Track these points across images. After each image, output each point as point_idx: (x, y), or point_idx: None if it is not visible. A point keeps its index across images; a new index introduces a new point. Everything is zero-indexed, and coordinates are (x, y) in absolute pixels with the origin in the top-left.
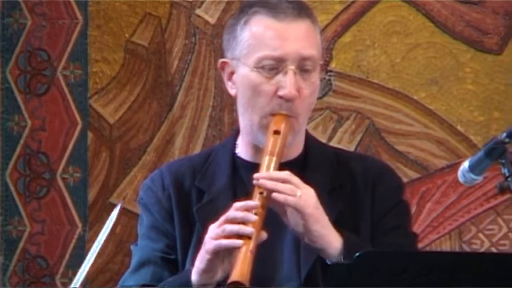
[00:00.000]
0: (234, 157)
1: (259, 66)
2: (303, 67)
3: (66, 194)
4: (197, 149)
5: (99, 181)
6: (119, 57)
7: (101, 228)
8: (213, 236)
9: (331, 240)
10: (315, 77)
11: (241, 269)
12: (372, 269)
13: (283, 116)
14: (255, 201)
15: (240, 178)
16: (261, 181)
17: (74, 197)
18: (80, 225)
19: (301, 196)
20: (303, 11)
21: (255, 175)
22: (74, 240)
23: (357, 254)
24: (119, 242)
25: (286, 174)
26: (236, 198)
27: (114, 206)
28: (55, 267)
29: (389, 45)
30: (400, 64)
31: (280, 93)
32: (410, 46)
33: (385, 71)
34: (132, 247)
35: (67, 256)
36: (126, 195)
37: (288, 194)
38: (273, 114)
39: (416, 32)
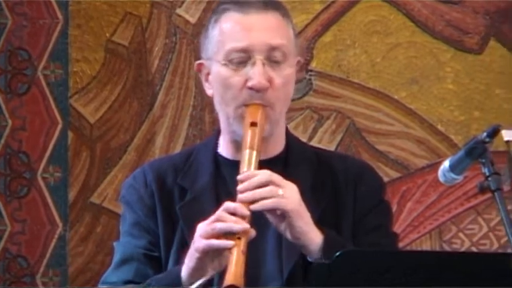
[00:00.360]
0: (216, 155)
1: (227, 60)
2: (271, 58)
3: (46, 194)
4: (178, 148)
5: (79, 181)
6: (99, 57)
7: (82, 228)
8: (203, 234)
9: (313, 237)
10: (287, 69)
11: (234, 271)
12: (353, 269)
13: (257, 105)
14: (244, 209)
15: (222, 176)
16: (240, 196)
17: (55, 197)
18: (60, 224)
19: (284, 194)
20: (270, 4)
21: (238, 188)
22: (54, 240)
23: (338, 254)
24: (99, 242)
25: (266, 175)
26: (219, 196)
27: (94, 205)
28: (36, 266)
29: (369, 44)
30: (380, 64)
31: (249, 84)
32: (390, 46)
33: (366, 71)
34: (114, 244)
35: (48, 255)
36: (107, 195)
37: (268, 197)
38: (246, 105)
39: (397, 32)
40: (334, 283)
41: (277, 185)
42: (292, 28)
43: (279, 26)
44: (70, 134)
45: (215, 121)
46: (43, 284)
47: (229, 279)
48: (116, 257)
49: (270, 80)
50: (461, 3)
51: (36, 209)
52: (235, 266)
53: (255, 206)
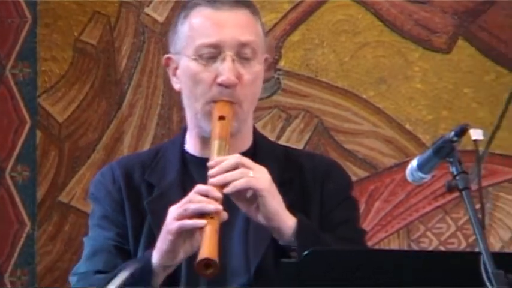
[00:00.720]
0: (183, 153)
1: (197, 55)
2: (241, 54)
3: (14, 193)
4: (146, 147)
5: (48, 179)
6: (67, 56)
7: (50, 227)
8: (176, 216)
9: (285, 219)
10: (257, 66)
11: (209, 245)
12: (322, 268)
13: (225, 102)
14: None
15: (189, 173)
16: (211, 181)
17: (23, 196)
18: (28, 223)
19: (254, 175)
20: (241, 2)
21: (209, 173)
22: (22, 239)
23: (306, 252)
24: (67, 241)
25: (235, 158)
26: (186, 192)
27: (63, 204)
28: (4, 265)
29: (338, 44)
30: (348, 63)
31: (219, 80)
32: (359, 45)
33: (334, 70)
34: (84, 239)
35: (16, 254)
36: (75, 194)
37: (239, 179)
38: (215, 101)
39: (365, 31)
40: (303, 282)
41: (248, 167)
42: (261, 26)
43: (249, 23)
44: (38, 133)
45: (183, 120)
46: (11, 283)
47: (204, 252)
48: (86, 250)
49: (239, 77)
50: (430, 3)
51: (4, 208)
52: (209, 242)
53: (227, 189)
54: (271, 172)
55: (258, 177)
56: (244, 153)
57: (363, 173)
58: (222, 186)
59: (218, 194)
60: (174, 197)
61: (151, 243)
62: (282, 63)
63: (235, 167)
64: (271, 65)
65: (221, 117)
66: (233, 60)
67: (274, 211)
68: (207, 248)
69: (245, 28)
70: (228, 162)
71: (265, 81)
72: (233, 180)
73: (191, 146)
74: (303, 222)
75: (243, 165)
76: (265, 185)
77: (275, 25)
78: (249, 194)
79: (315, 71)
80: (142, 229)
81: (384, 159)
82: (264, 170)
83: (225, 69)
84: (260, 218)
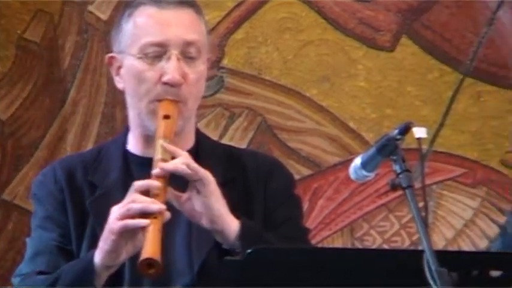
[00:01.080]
0: (126, 152)
1: (142, 54)
2: (186, 53)
3: None
4: (89, 146)
5: None
6: (10, 54)
7: None
8: (118, 216)
9: (230, 222)
10: (201, 65)
11: (152, 245)
12: (267, 266)
13: (170, 101)
14: (156, 182)
15: (131, 173)
16: (161, 164)
17: None
18: None
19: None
20: (185, 1)
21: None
22: None
23: (249, 251)
24: (11, 239)
25: (185, 155)
26: (128, 192)
27: (5, 202)
28: None
29: (281, 42)
30: (292, 61)
31: (164, 79)
32: (302, 43)
33: (278, 68)
34: (27, 240)
35: None
36: (18, 192)
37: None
38: (159, 100)
39: (309, 29)
40: (247, 280)
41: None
42: (204, 25)
43: (193, 22)
44: None
45: (126, 119)
46: None
47: (146, 252)
48: (29, 251)
49: (184, 76)
50: (374, 1)
51: None
52: (152, 241)
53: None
54: (214, 171)
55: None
56: (188, 153)
57: (306, 171)
58: (164, 177)
59: (158, 184)
60: (116, 197)
61: (94, 243)
62: (225, 61)
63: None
64: (213, 64)
65: (166, 116)
66: (178, 59)
67: (218, 214)
68: (150, 248)
69: (190, 27)
70: (179, 158)
71: (209, 79)
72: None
73: (133, 145)
74: (246, 225)
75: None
76: (213, 186)
77: (219, 23)
78: (196, 186)
79: (259, 69)
80: (85, 229)
81: (327, 157)
82: (209, 173)
83: (171, 68)
84: (204, 221)
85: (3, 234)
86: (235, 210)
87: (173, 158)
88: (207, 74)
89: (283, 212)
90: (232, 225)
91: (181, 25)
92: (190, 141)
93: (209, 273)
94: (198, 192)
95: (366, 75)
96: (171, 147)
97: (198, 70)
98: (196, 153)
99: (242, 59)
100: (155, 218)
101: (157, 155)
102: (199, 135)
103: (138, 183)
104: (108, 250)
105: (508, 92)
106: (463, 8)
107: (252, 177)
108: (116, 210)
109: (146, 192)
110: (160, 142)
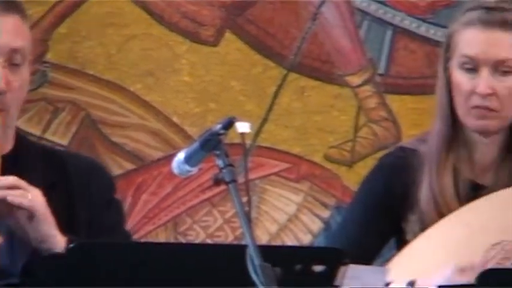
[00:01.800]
0: None
1: None
2: (12, 60)
3: None
4: None
5: None
6: None
7: None
8: None
9: (56, 242)
10: (25, 72)
11: None
12: (90, 261)
13: None
14: None
15: None
16: None
17: None
18: None
19: (32, 198)
20: (10, 6)
21: None
22: None
23: (71, 246)
24: None
25: (13, 179)
26: None
27: None
28: None
29: (105, 36)
30: (116, 56)
31: None
32: (126, 37)
33: (101, 63)
34: None
35: None
36: None
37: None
38: None
39: (133, 24)
40: (70, 276)
41: (25, 189)
42: (28, 29)
43: (20, 29)
44: None
45: None
46: None
47: None
48: None
49: (9, 83)
50: None
51: None
52: None
53: (13, 199)
54: (35, 176)
55: (35, 200)
56: (7, 155)
57: (130, 166)
58: None
59: None
60: None
61: None
62: (49, 56)
63: (13, 187)
64: (38, 58)
65: None
66: (4, 67)
67: (47, 235)
68: None
69: (16, 34)
70: (7, 180)
71: (32, 73)
72: (14, 198)
73: None
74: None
75: (21, 187)
76: (42, 209)
77: (42, 17)
78: (23, 215)
79: (82, 64)
80: None
81: (151, 152)
82: (38, 192)
83: None
84: (33, 241)
85: None
86: (58, 216)
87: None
88: (30, 69)
89: (106, 219)
90: (59, 244)
91: (7, 32)
92: (10, 142)
93: (33, 272)
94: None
95: (190, 70)
96: None
97: (23, 77)
98: (16, 156)
99: (66, 54)
100: None
101: None
102: (19, 137)
103: None
104: None
105: (331, 87)
106: (286, 4)
107: (74, 181)
108: None
109: None
110: None
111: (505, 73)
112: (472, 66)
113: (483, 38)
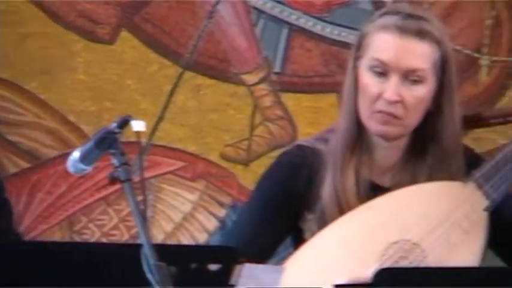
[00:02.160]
0: None
1: None
2: None
3: None
4: None
5: None
6: None
7: None
8: None
9: None
10: None
11: None
12: None
13: None
14: None
15: None
16: None
17: None
18: None
19: None
20: None
21: None
22: None
23: None
24: None
25: None
26: None
27: None
28: None
29: (1, 35)
30: (12, 54)
31: None
32: (22, 36)
33: None
34: None
35: None
36: None
37: None
38: None
39: (29, 22)
40: None
41: None
42: None
43: None
44: None
45: None
46: None
47: None
48: None
49: None
50: None
51: None
52: None
53: None
54: None
55: None
56: None
57: (25, 164)
58: None
59: None
60: None
61: None
62: None
63: None
64: None
65: None
66: None
67: None
68: None
69: None
70: None
71: None
72: None
73: None
74: None
75: None
76: None
77: None
78: None
79: None
80: None
81: (47, 150)
82: None
83: None
84: None
85: None
86: None
87: None
88: None
89: None
90: None
91: None
92: None
93: None
94: None
95: (86, 68)
96: None
97: None
98: None
99: None
100: None
101: None
102: None
103: None
104: None
105: (227, 85)
106: (182, 2)
107: None
108: None
109: None
110: None
111: (415, 82)
112: (382, 71)
113: (397, 45)
